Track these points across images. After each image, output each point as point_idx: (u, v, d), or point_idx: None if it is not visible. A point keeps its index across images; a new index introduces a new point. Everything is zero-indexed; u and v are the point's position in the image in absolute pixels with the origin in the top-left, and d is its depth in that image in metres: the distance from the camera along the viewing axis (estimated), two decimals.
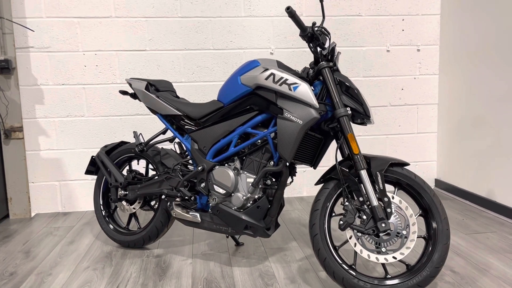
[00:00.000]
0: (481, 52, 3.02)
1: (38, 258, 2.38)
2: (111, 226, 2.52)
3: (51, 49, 3.11)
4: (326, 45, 1.93)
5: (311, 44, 1.91)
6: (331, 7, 3.32)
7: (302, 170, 3.45)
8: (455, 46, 3.30)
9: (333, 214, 1.92)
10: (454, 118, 3.36)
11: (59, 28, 3.10)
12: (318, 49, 1.92)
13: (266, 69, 1.92)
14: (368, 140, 3.51)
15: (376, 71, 3.44)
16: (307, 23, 3.26)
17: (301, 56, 3.35)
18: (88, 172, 2.57)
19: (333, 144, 3.06)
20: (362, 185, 1.81)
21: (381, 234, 1.79)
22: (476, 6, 3.04)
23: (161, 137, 3.20)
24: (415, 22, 3.43)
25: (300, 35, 1.90)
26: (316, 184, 1.96)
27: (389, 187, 1.86)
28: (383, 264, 1.84)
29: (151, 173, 2.64)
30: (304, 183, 3.48)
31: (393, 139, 3.53)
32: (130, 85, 2.40)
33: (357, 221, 1.82)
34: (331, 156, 3.38)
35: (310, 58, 3.35)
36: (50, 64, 3.12)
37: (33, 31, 3.06)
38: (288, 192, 3.47)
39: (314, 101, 1.82)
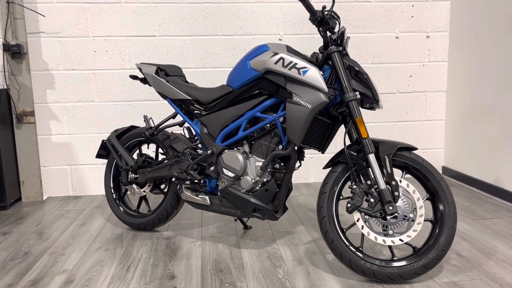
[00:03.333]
0: (490, 39, 3.00)
1: (51, 239, 2.44)
2: (122, 209, 2.56)
3: (62, 35, 3.13)
4: (336, 30, 1.94)
5: (320, 28, 1.92)
6: None
7: (310, 156, 3.47)
8: (465, 33, 3.28)
9: (341, 197, 1.94)
10: (462, 106, 3.35)
11: (69, 14, 3.12)
12: (328, 33, 1.93)
13: (276, 54, 1.93)
14: (376, 127, 3.51)
15: (385, 58, 3.44)
16: (317, 8, 3.24)
17: (310, 42, 3.35)
18: (98, 156, 2.61)
19: (341, 129, 3.07)
20: (370, 168, 1.83)
21: (388, 217, 1.81)
22: None
23: (171, 121, 3.21)
24: (425, 8, 3.41)
25: (309, 19, 1.90)
26: (324, 167, 1.99)
27: (397, 171, 1.88)
28: (389, 247, 1.87)
29: (161, 157, 2.67)
30: (311, 169, 3.51)
31: (401, 126, 3.54)
32: (140, 69, 2.42)
33: (365, 204, 1.85)
34: (338, 143, 3.40)
35: (319, 44, 3.35)
36: (60, 50, 3.15)
37: (44, 16, 3.09)
38: (295, 178, 3.50)
39: (323, 85, 1.84)
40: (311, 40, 3.35)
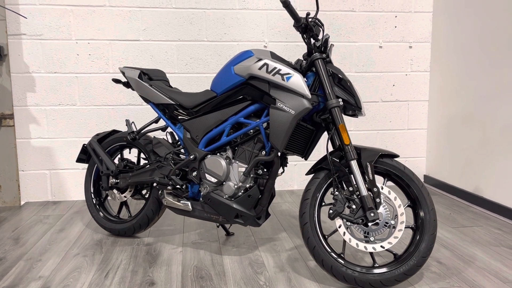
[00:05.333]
0: (471, 50, 3.06)
1: (28, 245, 2.38)
2: (102, 214, 2.52)
3: (44, 37, 3.09)
4: (320, 37, 1.95)
5: (304, 35, 1.93)
6: (325, 1, 3.34)
7: (293, 163, 3.48)
8: (446, 44, 3.34)
9: (323, 203, 1.94)
10: (443, 115, 3.40)
11: (52, 16, 3.08)
12: (312, 40, 1.94)
13: (260, 59, 1.93)
14: (359, 135, 3.54)
15: (368, 67, 3.48)
16: (302, 15, 3.27)
17: (295, 50, 3.37)
18: (79, 160, 2.57)
19: (325, 136, 3.09)
20: (352, 175, 1.84)
21: (369, 224, 1.82)
22: (467, 5, 3.08)
23: (154, 126, 3.18)
24: (408, 19, 3.47)
25: (294, 26, 1.91)
26: (307, 174, 1.99)
27: (378, 178, 1.89)
28: (371, 253, 1.87)
29: (143, 162, 2.64)
30: (294, 177, 3.51)
31: (383, 135, 3.57)
32: (123, 73, 2.40)
33: (347, 211, 1.85)
34: (322, 149, 3.41)
35: (303, 52, 3.37)
36: (42, 52, 3.10)
37: (26, 18, 3.04)
38: (279, 185, 3.50)
39: (306, 91, 1.84)
40: (296, 48, 3.37)
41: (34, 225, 2.71)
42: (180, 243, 2.39)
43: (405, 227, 1.85)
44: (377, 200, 1.81)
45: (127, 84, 2.43)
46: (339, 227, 1.86)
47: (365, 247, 1.82)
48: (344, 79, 1.90)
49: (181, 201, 2.19)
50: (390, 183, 1.92)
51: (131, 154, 3.11)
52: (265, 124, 2.00)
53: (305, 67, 1.96)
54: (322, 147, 3.40)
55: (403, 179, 1.87)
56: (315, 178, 1.93)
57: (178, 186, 2.20)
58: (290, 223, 2.72)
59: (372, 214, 1.79)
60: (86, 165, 3.18)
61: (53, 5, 3.07)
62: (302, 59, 2.02)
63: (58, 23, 3.09)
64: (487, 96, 2.91)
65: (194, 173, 2.15)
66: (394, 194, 1.84)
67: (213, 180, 2.08)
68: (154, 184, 2.30)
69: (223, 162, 2.05)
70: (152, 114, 3.26)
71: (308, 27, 1.90)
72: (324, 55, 1.91)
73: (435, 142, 3.53)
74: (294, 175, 3.51)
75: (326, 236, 1.91)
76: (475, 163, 3.05)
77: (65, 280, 1.96)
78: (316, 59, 1.90)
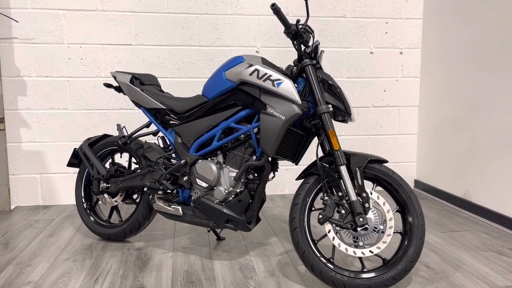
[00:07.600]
0: (461, 56, 3.10)
1: (17, 250, 2.36)
2: (92, 219, 2.51)
3: (35, 41, 3.08)
4: (310, 43, 1.97)
5: (295, 42, 1.95)
6: (317, 8, 3.37)
7: (285, 168, 3.49)
8: (436, 50, 3.38)
9: (313, 208, 1.95)
10: (434, 121, 3.44)
11: (44, 20, 3.07)
12: (302, 46, 1.96)
13: (251, 65, 1.95)
14: (350, 140, 3.57)
15: (359, 73, 3.51)
16: (292, 22, 3.30)
17: (286, 55, 3.39)
18: (70, 164, 2.56)
19: (315, 141, 3.10)
20: (341, 180, 1.85)
21: (358, 229, 1.83)
22: (457, 12, 3.13)
23: (145, 130, 3.19)
24: (398, 25, 3.51)
25: (284, 32, 1.93)
26: (297, 179, 2.00)
27: (368, 183, 1.91)
28: (360, 258, 1.89)
29: (134, 166, 2.64)
30: (286, 181, 3.52)
31: (374, 140, 3.60)
32: (115, 78, 2.40)
33: (336, 216, 1.86)
34: (312, 154, 3.43)
35: (295, 57, 3.40)
36: (34, 56, 3.09)
37: (18, 22, 3.03)
38: (270, 190, 3.51)
39: (297, 97, 1.86)
40: (287, 53, 3.39)
41: (24, 229, 2.69)
42: (171, 248, 2.39)
43: (394, 232, 1.87)
44: (366, 205, 1.83)
45: (118, 89, 2.43)
46: (329, 232, 1.87)
47: (354, 252, 1.84)
48: (334, 85, 1.92)
49: (172, 206, 2.19)
50: (379, 188, 1.93)
51: (122, 159, 3.10)
52: (256, 129, 2.01)
53: (295, 73, 1.98)
54: (312, 152, 3.42)
55: (392, 184, 1.89)
56: (305, 183, 1.94)
57: (169, 191, 2.20)
58: (281, 227, 2.73)
59: (361, 219, 1.81)
60: (77, 170, 3.17)
61: (45, 9, 3.06)
62: (292, 65, 2.04)
63: (50, 27, 3.09)
64: (477, 102, 2.95)
65: (185, 178, 2.15)
66: (383, 199, 1.86)
67: (204, 185, 2.09)
68: (145, 189, 2.30)
69: (214, 167, 2.06)
70: (144, 118, 3.26)
71: (298, 34, 1.92)
72: (314, 61, 1.93)
73: (425, 147, 3.57)
74: (286, 180, 3.52)
75: (316, 241, 1.93)
76: (464, 168, 3.09)
77: (54, 285, 1.95)
78: (306, 65, 1.92)
